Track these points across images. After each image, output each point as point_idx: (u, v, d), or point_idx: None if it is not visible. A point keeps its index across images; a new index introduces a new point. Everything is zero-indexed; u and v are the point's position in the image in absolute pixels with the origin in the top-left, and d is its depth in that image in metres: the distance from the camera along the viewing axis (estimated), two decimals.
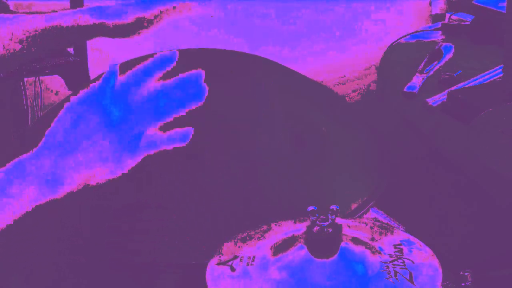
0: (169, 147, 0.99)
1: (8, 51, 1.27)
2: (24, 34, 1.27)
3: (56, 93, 2.70)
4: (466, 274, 1.08)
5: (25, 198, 0.92)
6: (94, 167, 0.95)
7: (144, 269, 1.17)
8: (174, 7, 1.33)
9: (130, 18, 1.30)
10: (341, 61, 3.15)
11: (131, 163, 0.96)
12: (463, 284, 1.08)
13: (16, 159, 0.95)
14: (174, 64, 1.03)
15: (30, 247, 1.04)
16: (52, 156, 0.94)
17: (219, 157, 1.32)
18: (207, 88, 1.02)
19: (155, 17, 1.32)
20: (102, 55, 2.66)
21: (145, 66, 1.02)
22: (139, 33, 1.33)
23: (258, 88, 1.47)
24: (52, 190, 0.93)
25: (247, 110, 1.41)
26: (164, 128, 0.98)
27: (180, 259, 1.17)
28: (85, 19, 1.28)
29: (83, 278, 1.15)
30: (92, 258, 1.16)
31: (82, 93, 1.01)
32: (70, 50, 2.45)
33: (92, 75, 2.40)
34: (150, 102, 0.98)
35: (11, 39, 1.27)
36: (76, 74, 2.35)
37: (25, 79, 2.50)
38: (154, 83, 1.00)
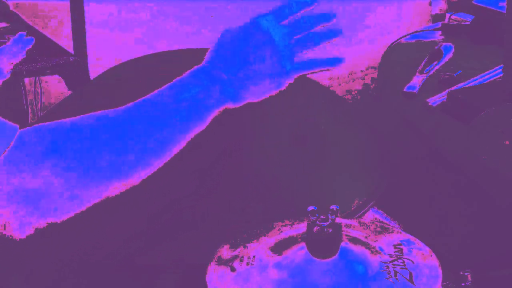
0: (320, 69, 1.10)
1: None
2: None
3: (54, 93, 2.70)
4: (466, 274, 1.08)
5: (211, 100, 1.01)
6: (263, 81, 1.05)
7: (144, 269, 1.17)
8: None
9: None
10: None
11: (290, 79, 1.08)
12: (463, 284, 1.08)
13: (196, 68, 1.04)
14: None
15: (31, 247, 1.04)
16: (230, 68, 1.04)
17: (218, 157, 1.32)
18: None
19: None
20: (102, 55, 2.67)
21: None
22: None
23: None
24: (230, 99, 1.04)
25: (246, 110, 1.41)
26: None
27: (180, 259, 1.17)
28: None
29: (83, 278, 1.15)
30: (93, 259, 1.16)
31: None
32: (70, 50, 2.45)
33: (92, 75, 2.40)
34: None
35: None
36: (76, 74, 2.35)
37: (25, 79, 2.50)
38: None
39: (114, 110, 0.98)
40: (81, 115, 0.96)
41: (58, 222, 0.91)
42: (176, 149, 0.98)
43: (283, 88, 1.08)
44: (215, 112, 1.02)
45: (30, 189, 0.88)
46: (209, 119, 1.01)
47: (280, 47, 1.06)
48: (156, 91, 1.00)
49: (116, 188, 0.94)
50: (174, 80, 1.02)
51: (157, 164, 0.97)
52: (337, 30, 1.11)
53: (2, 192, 0.87)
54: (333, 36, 1.11)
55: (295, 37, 1.08)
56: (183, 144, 0.99)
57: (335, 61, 1.11)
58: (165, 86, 1.01)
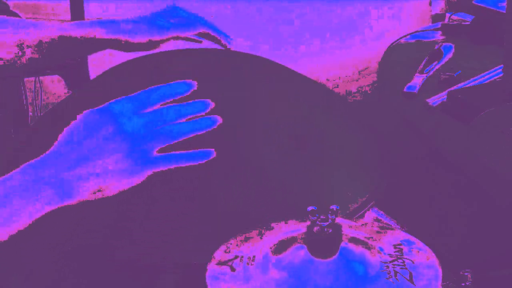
0: (185, 164, 0.99)
1: (19, 57, 1.28)
2: (40, 41, 1.29)
3: (54, 93, 2.70)
4: (466, 274, 1.08)
5: (41, 202, 0.93)
6: (107, 179, 0.95)
7: (144, 269, 1.17)
8: (186, 38, 1.38)
9: (143, 39, 1.33)
10: (341, 61, 3.15)
11: (142, 176, 0.97)
12: (463, 284, 1.08)
13: (28, 163, 0.96)
14: (189, 92, 1.04)
15: (32, 247, 1.04)
16: (65, 164, 0.95)
17: (218, 157, 1.32)
18: (219, 120, 1.03)
19: (166, 40, 1.35)
20: (102, 55, 2.66)
21: (160, 88, 1.03)
22: (146, 50, 1.37)
23: (258, 88, 1.47)
24: (65, 197, 0.94)
25: (246, 110, 1.41)
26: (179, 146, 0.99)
27: (180, 259, 1.17)
28: (100, 33, 1.30)
29: (83, 278, 1.15)
30: (91, 259, 1.16)
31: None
32: None
33: (92, 75, 2.40)
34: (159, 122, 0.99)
35: (24, 45, 1.28)
36: (76, 74, 2.35)
37: (25, 79, 2.50)
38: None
39: None
40: None
41: None
42: (14, 231, 0.93)
43: (137, 183, 0.97)
44: (48, 210, 0.93)
45: None
46: (42, 214, 0.92)
47: (133, 140, 0.96)
48: None
49: None
50: (7, 176, 0.94)
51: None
52: (212, 120, 1.02)
53: None
54: (203, 128, 1.01)
55: (154, 129, 0.98)
56: (23, 226, 0.94)
57: (202, 156, 1.01)
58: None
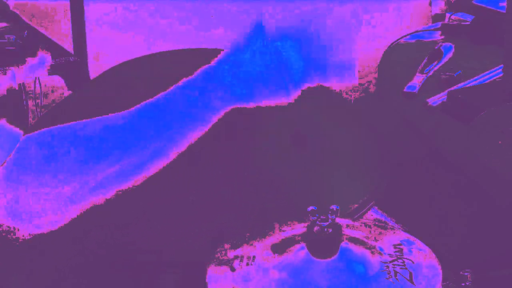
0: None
1: None
2: None
3: (53, 90, 2.70)
4: (466, 274, 1.08)
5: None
6: (270, 91, 0.97)
7: (144, 269, 1.17)
8: None
9: None
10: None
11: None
12: (463, 284, 1.08)
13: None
14: None
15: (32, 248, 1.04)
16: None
17: (218, 158, 1.32)
18: None
19: None
20: (102, 55, 2.66)
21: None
22: None
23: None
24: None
25: (246, 110, 1.41)
26: None
27: (180, 259, 1.17)
28: None
29: (83, 278, 1.15)
30: (91, 259, 1.16)
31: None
32: (70, 50, 2.45)
33: (92, 75, 2.40)
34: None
35: None
36: (76, 74, 2.35)
37: (25, 79, 2.50)
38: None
39: (125, 113, 0.96)
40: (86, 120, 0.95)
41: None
42: (182, 146, 0.97)
43: (291, 97, 1.03)
44: (223, 112, 1.00)
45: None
46: (216, 118, 0.99)
47: (295, 70, 1.03)
48: (166, 92, 0.98)
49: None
50: (187, 80, 0.99)
51: (163, 161, 0.96)
52: None
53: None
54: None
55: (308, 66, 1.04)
56: (190, 140, 0.97)
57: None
58: (176, 85, 0.98)
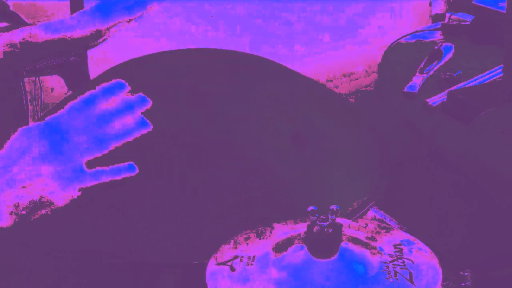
0: (115, 178, 0.99)
1: None
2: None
3: (54, 93, 2.70)
4: (466, 274, 1.08)
5: None
6: (37, 197, 0.95)
7: (144, 269, 1.17)
8: (129, 21, 1.31)
9: (85, 31, 1.27)
10: (341, 61, 3.15)
11: (72, 191, 0.97)
12: (463, 284, 1.08)
13: None
14: (123, 93, 1.02)
15: (30, 247, 1.04)
16: None
17: (218, 157, 1.32)
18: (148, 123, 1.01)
19: (113, 26, 1.30)
20: (102, 55, 2.66)
21: (90, 94, 1.01)
22: (95, 44, 1.32)
23: (258, 88, 1.47)
24: None
25: (246, 110, 1.41)
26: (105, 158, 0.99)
27: (180, 259, 1.17)
28: (39, 35, 1.26)
29: (83, 278, 1.15)
30: (92, 259, 1.16)
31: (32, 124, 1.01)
32: None
33: (92, 75, 2.40)
34: (90, 132, 0.99)
35: None
36: (76, 74, 2.35)
37: (25, 79, 2.50)
38: (96, 111, 1.00)
39: None
40: None
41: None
42: None
43: (66, 202, 0.97)
44: None
45: None
46: None
47: (63, 159, 0.97)
48: None
49: None
50: None
51: None
52: (143, 124, 1.01)
53: None
54: (134, 133, 1.00)
55: (88, 139, 0.98)
56: None
57: (124, 171, 1.00)
58: None
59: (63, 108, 1.02)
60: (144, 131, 1.00)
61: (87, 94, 1.02)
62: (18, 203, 0.94)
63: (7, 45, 1.26)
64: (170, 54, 1.54)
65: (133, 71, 1.50)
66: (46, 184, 0.95)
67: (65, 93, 2.53)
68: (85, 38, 1.28)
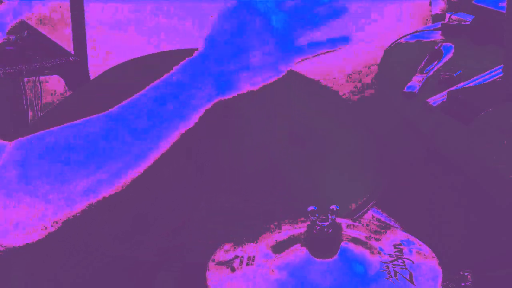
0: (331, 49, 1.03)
1: None
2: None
3: (54, 93, 2.70)
4: (466, 274, 1.08)
5: (204, 94, 0.96)
6: (258, 71, 0.99)
7: (144, 268, 1.17)
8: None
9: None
10: (341, 61, 3.15)
11: (288, 66, 1.01)
12: (463, 284, 1.08)
13: (187, 60, 1.00)
14: None
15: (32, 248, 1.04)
16: (223, 58, 0.98)
17: (218, 157, 1.32)
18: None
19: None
20: (102, 55, 2.67)
21: None
22: None
23: (258, 88, 1.47)
24: (226, 89, 0.98)
25: (246, 110, 1.41)
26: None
27: (180, 259, 1.17)
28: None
29: (83, 278, 1.15)
30: (91, 259, 1.16)
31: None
32: (70, 50, 2.45)
33: (92, 75, 2.40)
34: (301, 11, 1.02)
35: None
36: (76, 74, 2.35)
37: (25, 79, 2.50)
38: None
39: (97, 119, 0.95)
40: (60, 126, 0.93)
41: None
42: (164, 147, 0.95)
43: (282, 73, 1.02)
44: (207, 106, 0.97)
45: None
46: (199, 114, 0.97)
47: (279, 32, 1.00)
48: (140, 93, 0.97)
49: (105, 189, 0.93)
50: (162, 78, 0.98)
51: (146, 164, 0.95)
52: (342, 8, 1.05)
53: None
54: (337, 15, 1.05)
55: (296, 21, 1.02)
56: (173, 139, 0.96)
57: (339, 41, 1.05)
58: (152, 85, 0.97)
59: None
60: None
61: None
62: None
63: None
64: (170, 54, 1.54)
65: (133, 71, 1.50)
66: (265, 54, 0.99)
67: (65, 93, 2.53)
68: None
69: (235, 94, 0.99)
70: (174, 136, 0.94)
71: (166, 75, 0.98)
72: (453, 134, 1.73)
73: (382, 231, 1.08)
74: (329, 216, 0.99)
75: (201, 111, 0.96)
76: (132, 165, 0.93)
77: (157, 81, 0.98)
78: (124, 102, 0.96)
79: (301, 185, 1.28)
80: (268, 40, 0.99)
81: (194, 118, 0.96)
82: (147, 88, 0.97)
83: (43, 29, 2.48)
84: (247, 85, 1.00)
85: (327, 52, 1.04)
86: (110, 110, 0.96)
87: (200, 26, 2.74)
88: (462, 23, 2.35)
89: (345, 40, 1.05)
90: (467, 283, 1.08)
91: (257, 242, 1.06)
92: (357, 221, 1.12)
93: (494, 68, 1.89)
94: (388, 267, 0.99)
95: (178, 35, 2.75)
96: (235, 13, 1.02)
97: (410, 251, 1.03)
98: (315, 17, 1.03)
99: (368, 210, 1.26)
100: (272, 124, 1.40)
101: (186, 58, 1.00)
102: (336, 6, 1.05)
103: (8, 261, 0.96)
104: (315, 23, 1.03)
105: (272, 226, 1.09)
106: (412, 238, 1.07)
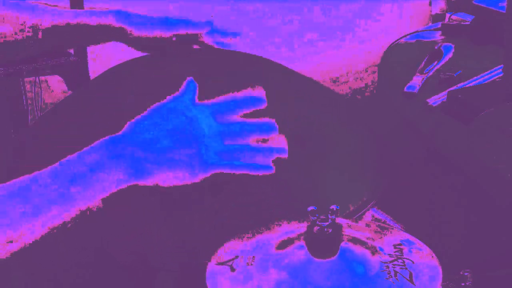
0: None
1: (29, 38, 1.30)
2: (51, 25, 1.31)
3: (54, 93, 2.70)
4: (466, 274, 1.08)
5: (115, 178, 0.96)
6: (176, 169, 0.99)
7: (143, 269, 1.17)
8: (189, 34, 1.39)
9: (150, 33, 1.35)
10: (341, 61, 3.15)
11: (205, 175, 1.02)
12: (463, 284, 1.08)
13: (103, 140, 0.98)
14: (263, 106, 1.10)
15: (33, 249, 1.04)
16: (140, 145, 0.97)
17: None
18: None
19: (172, 36, 1.38)
20: (102, 55, 2.67)
21: (233, 99, 1.08)
22: (154, 45, 1.38)
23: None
24: (139, 176, 0.97)
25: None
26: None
27: (180, 259, 1.17)
28: (111, 22, 1.32)
29: (83, 278, 1.15)
30: (91, 259, 1.16)
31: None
32: (70, 50, 2.45)
33: (92, 75, 2.40)
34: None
35: (37, 28, 1.31)
36: (76, 74, 2.35)
37: (25, 79, 2.50)
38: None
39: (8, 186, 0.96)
40: None
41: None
42: (66, 218, 0.95)
43: (197, 181, 1.02)
44: (116, 189, 0.97)
45: None
46: (106, 195, 0.96)
47: (208, 140, 1.02)
48: (52, 167, 0.95)
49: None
50: (76, 154, 0.96)
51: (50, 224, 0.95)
52: (271, 126, 1.09)
53: None
54: (267, 133, 1.08)
55: (227, 137, 1.04)
56: (73, 215, 0.95)
57: (263, 169, 1.06)
58: (65, 160, 0.96)
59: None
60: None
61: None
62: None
63: (80, 24, 1.33)
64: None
65: (133, 71, 1.50)
66: (188, 156, 1.00)
67: (65, 93, 2.53)
68: (145, 39, 1.37)
69: (149, 183, 0.98)
70: (74, 212, 0.95)
71: (80, 152, 0.97)
72: (453, 134, 1.73)
73: (382, 231, 1.08)
74: (329, 216, 0.99)
75: (108, 193, 0.95)
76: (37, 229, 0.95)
77: (70, 157, 0.97)
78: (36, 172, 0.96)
79: (301, 185, 1.28)
80: (193, 143, 1.00)
81: (99, 200, 0.95)
82: (59, 162, 0.96)
83: None
84: (161, 178, 0.99)
85: (249, 172, 1.05)
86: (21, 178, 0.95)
87: None
88: (462, 23, 2.36)
89: (268, 169, 1.06)
90: (467, 283, 1.08)
91: (257, 242, 1.06)
92: (357, 221, 1.12)
93: (494, 68, 1.89)
94: (388, 267, 0.99)
95: None
96: (165, 109, 1.02)
97: (410, 251, 1.03)
98: (243, 131, 1.05)
99: (368, 210, 1.26)
100: None
101: (102, 139, 0.98)
102: (268, 123, 1.08)
103: (8, 261, 0.96)
104: (243, 137, 1.05)
105: (272, 226, 1.09)
106: (412, 238, 1.07)
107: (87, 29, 1.33)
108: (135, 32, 1.35)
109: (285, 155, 1.07)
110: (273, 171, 1.05)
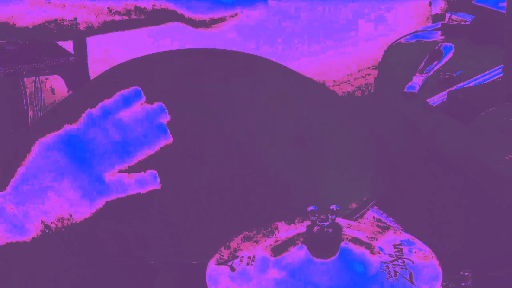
0: (140, 191, 1.00)
1: (84, 22, 1.31)
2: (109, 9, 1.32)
3: (54, 93, 2.71)
4: (466, 274, 1.08)
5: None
6: (61, 212, 0.94)
7: (144, 269, 1.17)
8: (236, 14, 1.38)
9: (205, 16, 1.34)
10: (341, 61, 3.15)
11: (97, 205, 0.97)
12: (463, 284, 1.08)
13: None
14: (140, 101, 1.03)
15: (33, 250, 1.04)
16: (16, 199, 0.93)
17: (218, 157, 1.32)
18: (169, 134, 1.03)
19: (228, 17, 1.37)
20: (102, 55, 2.67)
21: (109, 103, 1.02)
22: (207, 28, 1.37)
23: (258, 88, 1.47)
24: (17, 233, 0.92)
25: (246, 110, 1.41)
26: (130, 170, 0.99)
27: (180, 259, 1.17)
28: (167, 5, 1.33)
29: (83, 278, 1.15)
30: (91, 259, 1.16)
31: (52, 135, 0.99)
32: (70, 50, 2.45)
33: (92, 75, 2.40)
34: (113, 144, 0.98)
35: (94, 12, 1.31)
36: (76, 74, 2.35)
37: (25, 79, 2.50)
38: (116, 120, 1.00)
39: None
40: None
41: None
42: None
43: (91, 213, 0.97)
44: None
45: None
46: None
47: (86, 172, 0.96)
48: None
49: None
50: None
51: None
52: (162, 132, 1.02)
53: None
54: (155, 144, 1.02)
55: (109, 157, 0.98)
56: None
57: (153, 181, 1.02)
58: None
59: (79, 117, 1.01)
60: (164, 140, 1.01)
61: (105, 103, 1.01)
62: (44, 217, 0.93)
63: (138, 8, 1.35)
64: (170, 54, 1.54)
65: (133, 71, 1.50)
66: (68, 198, 0.94)
67: (65, 93, 2.53)
68: (200, 22, 1.35)
69: (31, 236, 0.94)
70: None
71: None
72: (453, 134, 1.73)
73: (382, 231, 1.08)
74: (329, 216, 0.99)
75: None
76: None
77: None
78: None
79: (301, 185, 1.28)
80: (73, 180, 0.95)
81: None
82: None
83: None
84: (44, 229, 0.94)
85: (136, 191, 1.00)
86: None
87: None
88: (462, 23, 2.35)
89: (155, 182, 1.02)
90: (467, 283, 1.08)
91: (257, 242, 1.06)
92: (357, 221, 1.12)
93: (494, 68, 1.89)
94: (388, 267, 0.99)
95: (178, 35, 2.75)
96: (43, 147, 0.98)
97: (410, 251, 1.03)
98: (128, 152, 0.99)
99: (368, 210, 1.26)
100: (272, 124, 1.40)
101: None
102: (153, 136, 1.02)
103: (8, 261, 0.96)
104: (127, 159, 1.00)
105: (272, 226, 1.09)
106: (412, 238, 1.07)
107: (145, 13, 1.35)
108: (190, 17, 1.35)
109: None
110: (158, 186, 1.02)
